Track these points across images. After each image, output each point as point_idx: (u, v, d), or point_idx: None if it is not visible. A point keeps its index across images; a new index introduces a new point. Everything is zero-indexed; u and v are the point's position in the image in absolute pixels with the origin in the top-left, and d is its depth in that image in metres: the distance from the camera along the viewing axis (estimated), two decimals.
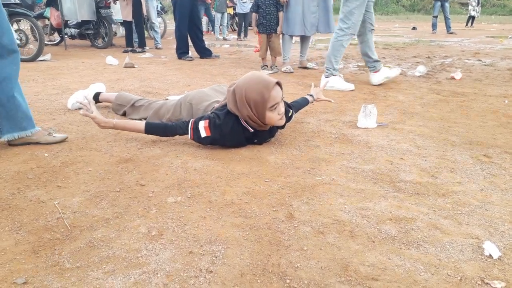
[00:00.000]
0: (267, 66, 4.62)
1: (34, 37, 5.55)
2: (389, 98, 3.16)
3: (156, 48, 6.94)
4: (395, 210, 1.38)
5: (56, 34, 7.29)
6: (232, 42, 8.89)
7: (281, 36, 4.56)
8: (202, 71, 4.57)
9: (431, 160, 1.85)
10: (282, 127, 2.04)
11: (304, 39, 4.69)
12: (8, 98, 1.87)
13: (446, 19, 11.00)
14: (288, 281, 1.01)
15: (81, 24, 6.81)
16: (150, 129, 1.92)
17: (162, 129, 1.95)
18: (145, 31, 6.99)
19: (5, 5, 4.60)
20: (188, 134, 1.91)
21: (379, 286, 1.00)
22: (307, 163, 1.80)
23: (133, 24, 6.42)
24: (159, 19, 8.39)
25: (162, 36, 8.20)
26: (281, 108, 1.86)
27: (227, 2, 9.75)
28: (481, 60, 5.42)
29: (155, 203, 1.41)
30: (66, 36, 6.84)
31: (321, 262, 1.09)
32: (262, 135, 2.00)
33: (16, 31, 4.84)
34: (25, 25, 5.23)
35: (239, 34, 9.90)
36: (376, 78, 3.69)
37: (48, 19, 6.82)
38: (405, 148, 2.01)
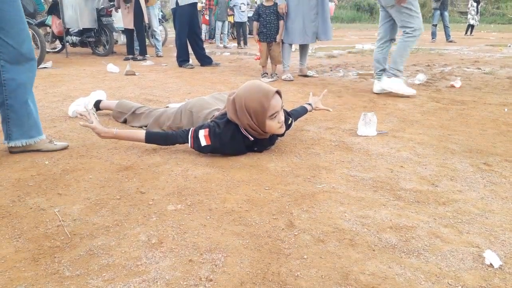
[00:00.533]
0: (267, 74, 4.64)
1: (36, 44, 5.57)
2: (388, 106, 3.16)
3: (157, 56, 6.97)
4: (396, 219, 1.37)
5: (57, 42, 7.34)
6: (233, 50, 8.93)
7: (281, 44, 4.59)
8: (203, 79, 4.59)
9: (431, 168, 1.85)
10: (282, 135, 2.05)
11: (303, 47, 4.72)
12: (21, 105, 1.89)
13: (445, 27, 11.06)
14: None
15: (82, 32, 6.86)
16: (151, 138, 1.93)
17: (162, 138, 1.96)
18: (146, 39, 7.03)
19: None
20: (188, 143, 1.91)
21: None
22: (307, 170, 1.80)
23: (135, 32, 6.46)
24: (160, 27, 8.45)
25: (163, 44, 8.25)
26: (281, 116, 1.87)
27: (228, 10, 9.82)
28: (480, 69, 5.44)
29: (155, 211, 1.41)
30: (67, 43, 6.88)
31: (321, 270, 1.09)
32: (262, 143, 2.00)
33: None
34: None
35: (238, 43, 9.96)
36: (376, 87, 3.72)
37: (50, 27, 6.87)
38: (405, 156, 2.01)
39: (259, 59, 4.69)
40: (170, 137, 1.94)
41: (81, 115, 1.92)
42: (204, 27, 10.83)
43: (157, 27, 7.02)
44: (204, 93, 3.58)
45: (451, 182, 1.70)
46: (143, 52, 6.55)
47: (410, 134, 2.38)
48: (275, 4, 4.41)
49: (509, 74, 4.93)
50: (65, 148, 2.05)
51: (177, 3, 5.42)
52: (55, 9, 6.56)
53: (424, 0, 22.36)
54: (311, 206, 1.46)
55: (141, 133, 1.93)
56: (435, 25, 11.39)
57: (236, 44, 10.14)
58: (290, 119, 2.12)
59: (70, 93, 3.53)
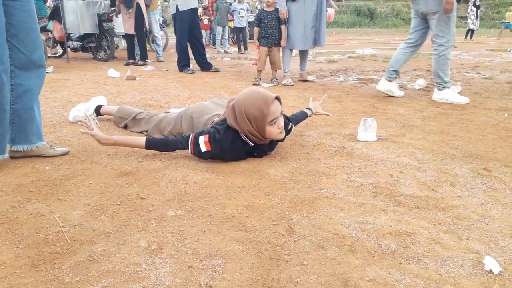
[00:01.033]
0: (260, 79, 4.65)
1: None
2: (388, 111, 3.17)
3: (158, 61, 7.00)
4: (395, 224, 1.37)
5: (58, 47, 7.37)
6: (233, 55, 8.96)
7: (281, 49, 4.61)
8: (203, 84, 4.60)
9: (431, 174, 1.85)
10: (282, 140, 2.05)
11: (303, 52, 4.74)
12: (26, 110, 1.92)
13: None
14: None
15: (83, 37, 6.89)
16: (151, 144, 1.93)
17: (162, 144, 1.96)
18: (147, 44, 7.06)
19: None
20: (188, 149, 1.92)
21: None
22: (307, 176, 1.81)
23: (135, 37, 6.48)
24: (161, 32, 8.48)
25: (164, 49, 8.28)
26: (281, 122, 1.87)
27: (228, 15, 9.87)
28: (480, 73, 5.46)
29: (155, 217, 1.41)
30: (68, 48, 6.91)
31: (321, 277, 1.08)
32: (262, 148, 2.01)
33: None
34: None
35: (239, 48, 10.00)
36: (380, 86, 3.77)
37: (51, 32, 6.90)
38: (405, 161, 2.02)
39: (256, 64, 4.71)
40: (170, 143, 1.95)
41: (81, 122, 1.92)
42: (203, 33, 10.87)
43: (157, 32, 7.05)
44: (205, 98, 3.59)
45: (451, 187, 1.70)
46: (143, 57, 6.57)
47: (410, 140, 2.39)
48: (276, 10, 4.43)
49: (509, 79, 4.94)
50: (65, 153, 2.05)
51: (177, 8, 5.45)
52: (56, 14, 6.59)
53: None
54: (311, 212, 1.46)
55: (142, 139, 1.93)
56: None
57: (236, 49, 10.18)
58: (290, 124, 2.13)
59: (71, 98, 3.54)
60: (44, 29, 6.89)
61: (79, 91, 3.95)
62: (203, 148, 1.88)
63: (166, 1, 16.61)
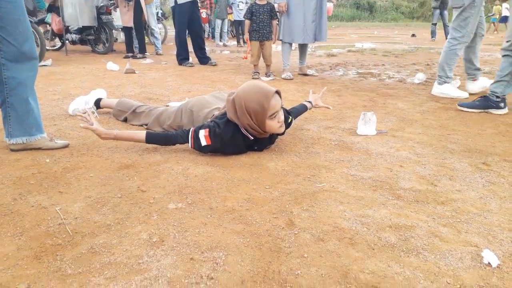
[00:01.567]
0: (258, 73, 4.63)
1: (35, 42, 5.58)
2: (388, 105, 3.17)
3: (157, 54, 6.98)
4: (395, 218, 1.38)
5: (57, 40, 7.33)
6: (232, 49, 8.93)
7: (271, 44, 4.58)
8: (203, 77, 4.59)
9: (430, 168, 1.86)
10: (282, 134, 2.05)
11: (303, 46, 4.73)
12: (22, 103, 1.91)
13: (445, 26, 11.07)
14: None
15: (82, 30, 6.86)
16: (151, 138, 1.94)
17: (163, 138, 1.96)
18: (146, 37, 7.03)
19: None
20: (188, 143, 1.92)
21: None
22: (307, 170, 1.81)
23: (133, 30, 6.45)
24: (160, 25, 8.44)
25: (162, 42, 8.25)
26: (281, 116, 1.88)
27: (228, 8, 9.83)
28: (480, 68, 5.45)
29: (156, 210, 1.41)
30: (67, 41, 6.87)
31: (321, 269, 1.10)
32: (262, 142, 2.01)
33: None
34: None
35: (238, 41, 9.97)
36: (474, 86, 3.66)
37: (49, 25, 6.86)
38: (405, 155, 2.02)
39: (246, 58, 4.67)
40: (171, 137, 1.95)
41: (81, 116, 1.92)
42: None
43: (155, 25, 7.02)
44: (204, 91, 3.59)
45: (450, 181, 1.71)
46: (142, 50, 6.54)
47: (410, 134, 2.39)
48: (269, 4, 4.43)
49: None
50: (66, 146, 2.05)
51: (175, 1, 5.42)
52: (54, 7, 6.55)
53: None
54: (311, 205, 1.47)
55: (142, 133, 1.93)
56: (435, 24, 11.41)
57: (235, 43, 10.15)
58: (290, 117, 2.13)
59: (70, 91, 3.54)
60: (42, 22, 6.86)
61: (78, 84, 3.94)
62: (204, 142, 1.88)
63: None
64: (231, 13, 10.09)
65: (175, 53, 5.80)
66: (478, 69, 3.64)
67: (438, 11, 11.08)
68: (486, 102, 2.94)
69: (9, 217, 1.35)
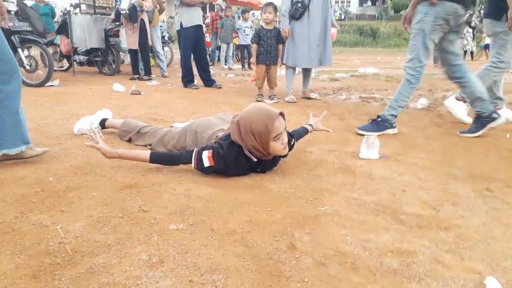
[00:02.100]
0: (262, 95, 4.69)
1: (44, 63, 5.69)
2: None
3: (163, 76, 7.07)
4: (397, 243, 1.37)
5: (65, 61, 7.46)
6: (237, 72, 9.04)
7: (284, 67, 4.66)
8: (207, 99, 4.64)
9: (433, 193, 1.85)
10: (285, 156, 2.06)
11: (306, 70, 4.79)
12: (10, 115, 1.97)
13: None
14: None
15: (90, 51, 6.98)
16: (155, 158, 1.95)
17: (166, 158, 1.98)
18: (152, 59, 7.13)
19: (17, 31, 4.76)
20: (192, 163, 1.93)
21: None
22: (310, 192, 1.81)
23: (139, 52, 6.56)
24: (166, 48, 8.59)
25: (168, 65, 8.36)
26: (285, 138, 1.89)
27: (233, 32, 10.01)
28: None
29: (157, 230, 1.41)
30: (75, 62, 7.00)
31: None
32: (265, 164, 2.02)
33: (26, 57, 4.97)
34: (35, 51, 5.38)
35: (243, 65, 10.11)
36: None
37: (58, 46, 7.00)
38: (407, 180, 2.02)
39: (255, 80, 4.75)
40: (174, 157, 1.96)
41: (86, 135, 1.95)
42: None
43: (160, 48, 7.13)
44: (209, 113, 3.62)
45: (453, 207, 1.70)
46: (148, 72, 6.63)
47: (413, 158, 2.39)
48: (276, 28, 4.51)
49: (510, 100, 4.96)
50: (44, 153, 2.14)
51: (181, 24, 5.53)
52: (64, 29, 6.70)
53: None
54: (313, 228, 1.46)
55: (146, 153, 1.95)
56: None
57: (240, 66, 10.28)
58: (293, 140, 2.15)
59: (76, 111, 3.58)
60: (51, 43, 7.00)
61: (84, 104, 3.99)
62: (207, 163, 1.89)
63: (172, 18, 16.87)
64: (236, 37, 10.26)
65: (181, 75, 5.88)
66: (500, 98, 3.57)
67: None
68: (481, 122, 2.96)
69: (10, 235, 1.34)
